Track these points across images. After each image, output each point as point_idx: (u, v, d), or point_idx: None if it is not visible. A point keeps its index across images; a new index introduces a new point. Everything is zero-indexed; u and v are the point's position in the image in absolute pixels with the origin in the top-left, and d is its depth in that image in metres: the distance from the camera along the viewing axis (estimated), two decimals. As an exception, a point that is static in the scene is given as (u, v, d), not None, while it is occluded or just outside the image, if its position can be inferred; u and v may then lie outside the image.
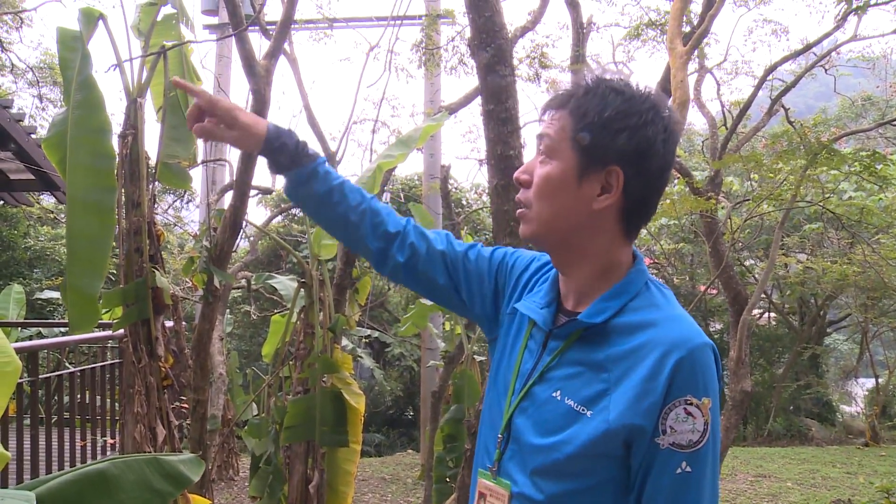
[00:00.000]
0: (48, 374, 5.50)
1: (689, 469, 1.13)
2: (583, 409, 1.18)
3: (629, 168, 1.21)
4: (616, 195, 1.22)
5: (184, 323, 4.40)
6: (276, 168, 1.45)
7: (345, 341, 5.77)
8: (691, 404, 1.13)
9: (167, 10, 4.42)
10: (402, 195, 13.55)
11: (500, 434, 1.30)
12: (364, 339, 12.81)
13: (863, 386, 15.40)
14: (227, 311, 10.04)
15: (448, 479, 6.03)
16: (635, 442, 1.14)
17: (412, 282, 1.52)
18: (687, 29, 7.20)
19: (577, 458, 1.17)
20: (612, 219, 1.24)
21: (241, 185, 4.65)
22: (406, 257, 1.47)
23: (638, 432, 1.13)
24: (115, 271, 9.79)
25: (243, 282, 8.46)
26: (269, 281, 6.14)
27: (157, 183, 4.23)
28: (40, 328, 10.06)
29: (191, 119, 1.41)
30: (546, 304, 1.32)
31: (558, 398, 1.22)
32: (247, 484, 6.14)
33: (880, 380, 13.14)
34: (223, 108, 1.39)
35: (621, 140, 1.19)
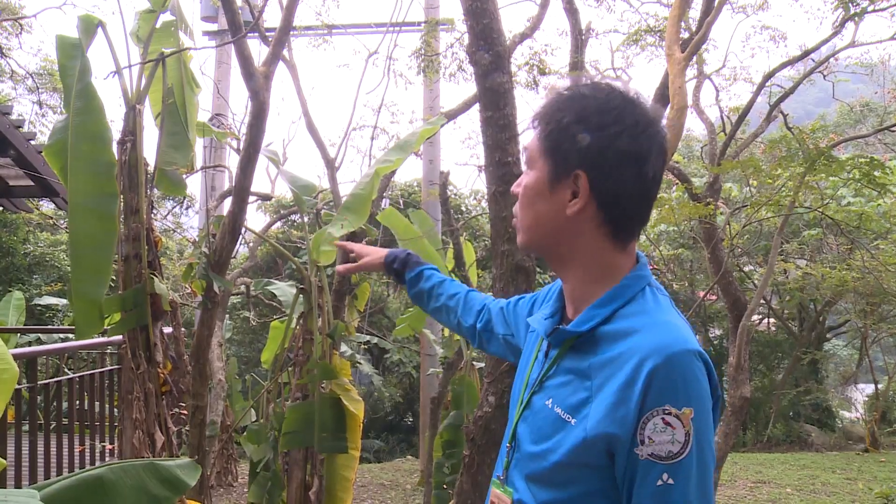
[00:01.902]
0: (47, 380, 5.49)
1: (670, 481, 1.09)
2: (568, 417, 1.18)
3: (593, 170, 1.20)
4: (584, 199, 1.21)
5: (183, 329, 4.41)
6: (397, 276, 1.94)
7: (344, 347, 5.76)
8: (670, 414, 1.09)
9: (166, 16, 4.44)
10: (401, 201, 13.56)
11: (508, 443, 1.33)
12: (363, 345, 12.80)
13: (862, 391, 15.37)
14: (227, 316, 10.04)
15: (447, 486, 6.02)
16: (616, 452, 1.13)
17: (492, 341, 1.75)
18: (685, 35, 7.22)
19: (560, 467, 1.17)
20: (591, 223, 1.23)
21: (241, 192, 4.66)
22: (483, 322, 1.76)
23: (614, 441, 1.12)
24: (114, 277, 9.81)
25: (242, 288, 8.47)
26: (268, 287, 6.14)
27: (155, 189, 4.24)
28: (40, 334, 10.07)
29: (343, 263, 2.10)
30: (550, 314, 1.35)
31: (550, 406, 1.23)
32: (246, 490, 6.13)
33: (880, 385, 13.13)
34: (358, 249, 2.02)
35: (580, 143, 1.20)
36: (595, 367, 1.18)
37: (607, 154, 1.19)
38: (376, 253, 1.97)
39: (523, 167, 1.34)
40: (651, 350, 1.12)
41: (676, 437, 1.09)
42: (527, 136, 1.31)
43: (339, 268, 1.93)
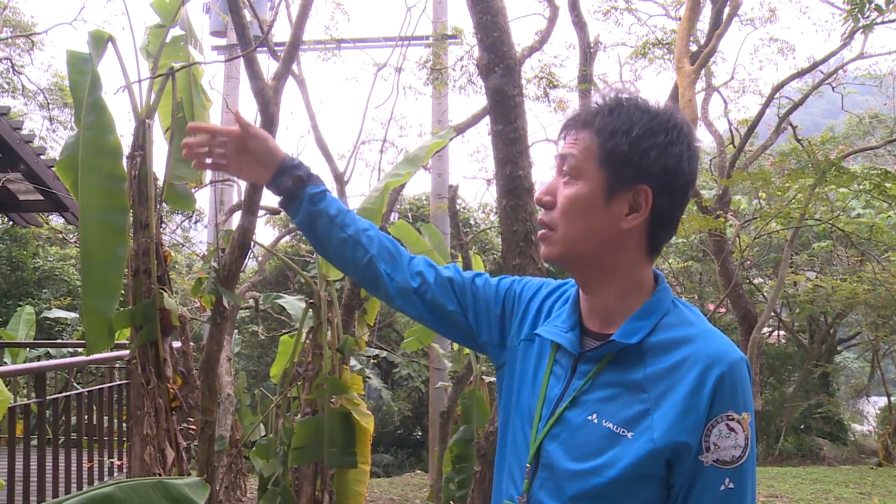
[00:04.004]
0: (56, 395, 5.50)
1: (732, 485, 1.13)
2: (623, 432, 1.16)
3: (657, 186, 1.20)
4: (645, 214, 1.21)
5: (192, 343, 4.40)
6: (288, 191, 1.48)
7: (353, 361, 5.75)
8: (733, 419, 1.13)
9: (175, 31, 4.45)
10: (410, 215, 13.57)
11: (528, 463, 1.26)
12: (372, 360, 12.79)
13: (875, 404, 15.27)
14: (236, 331, 10.03)
15: (456, 501, 5.98)
16: (679, 460, 1.14)
17: (421, 309, 1.49)
18: (694, 48, 7.22)
19: (619, 482, 1.15)
20: (638, 238, 1.23)
21: (250, 206, 4.66)
22: (418, 284, 1.46)
23: (683, 450, 1.13)
24: (123, 292, 9.85)
25: (251, 302, 8.46)
26: (277, 301, 6.13)
27: (164, 204, 4.24)
28: (49, 348, 10.09)
29: (191, 147, 1.46)
30: (570, 327, 1.30)
31: (595, 421, 1.19)
32: (254, 505, 6.10)
33: (892, 398, 13.02)
34: (253, 131, 1.46)
35: (650, 159, 1.19)
36: (651, 378, 1.18)
37: (671, 172, 1.20)
38: (273, 149, 1.47)
39: (555, 175, 1.28)
40: (714, 357, 1.15)
41: (738, 442, 1.13)
42: (570, 143, 1.25)
43: (198, 162, 1.46)
